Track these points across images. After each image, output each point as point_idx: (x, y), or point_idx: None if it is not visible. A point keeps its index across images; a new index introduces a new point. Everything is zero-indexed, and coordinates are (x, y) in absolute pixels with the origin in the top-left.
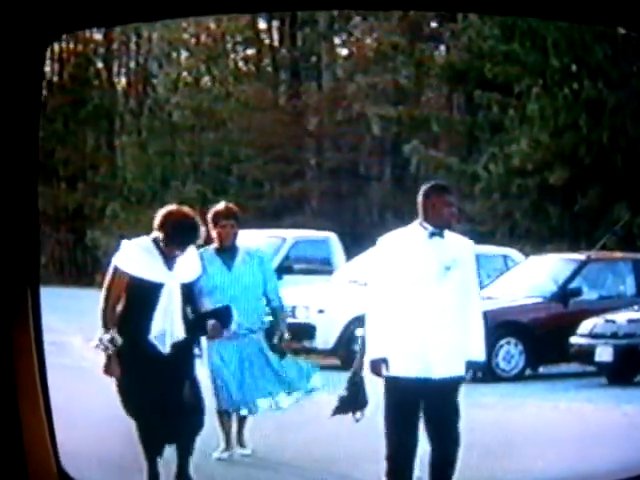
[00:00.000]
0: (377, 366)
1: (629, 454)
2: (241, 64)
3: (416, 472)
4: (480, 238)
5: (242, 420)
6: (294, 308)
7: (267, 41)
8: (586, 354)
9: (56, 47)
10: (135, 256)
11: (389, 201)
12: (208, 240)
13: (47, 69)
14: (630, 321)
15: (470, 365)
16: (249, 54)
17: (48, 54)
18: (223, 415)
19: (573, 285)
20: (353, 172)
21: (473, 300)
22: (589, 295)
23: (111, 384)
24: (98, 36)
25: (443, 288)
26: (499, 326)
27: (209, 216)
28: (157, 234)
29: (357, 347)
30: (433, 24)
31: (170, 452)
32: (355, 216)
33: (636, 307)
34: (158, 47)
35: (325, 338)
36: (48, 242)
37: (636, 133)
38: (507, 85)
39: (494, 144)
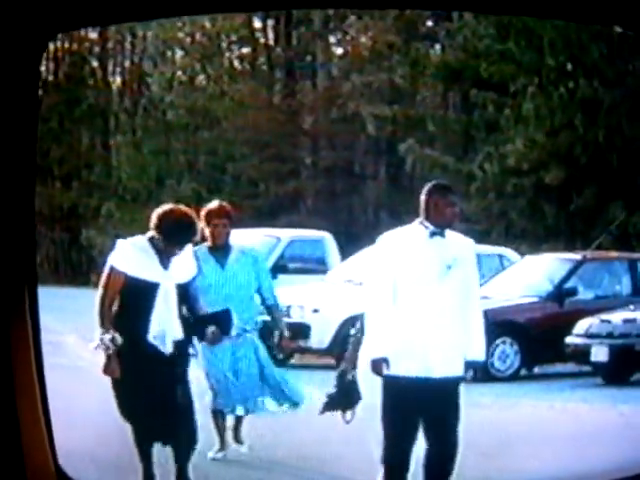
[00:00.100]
0: (378, 365)
1: (625, 454)
2: (236, 63)
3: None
4: (476, 237)
5: (239, 418)
6: (289, 307)
7: (262, 40)
8: (582, 354)
9: (51, 46)
10: (131, 255)
11: (384, 200)
12: (202, 239)
13: (42, 68)
14: (626, 321)
15: (470, 365)
16: (244, 53)
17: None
18: (217, 415)
19: (569, 285)
20: (348, 171)
21: (474, 300)
22: (585, 295)
23: (107, 384)
24: (93, 35)
25: (444, 287)
26: (494, 326)
27: (202, 215)
28: (153, 233)
29: (350, 346)
30: (428, 23)
31: (166, 453)
32: (350, 215)
33: (632, 307)
34: (153, 46)
35: (320, 338)
36: (43, 241)
37: (632, 132)
38: (503, 84)
39: (489, 143)
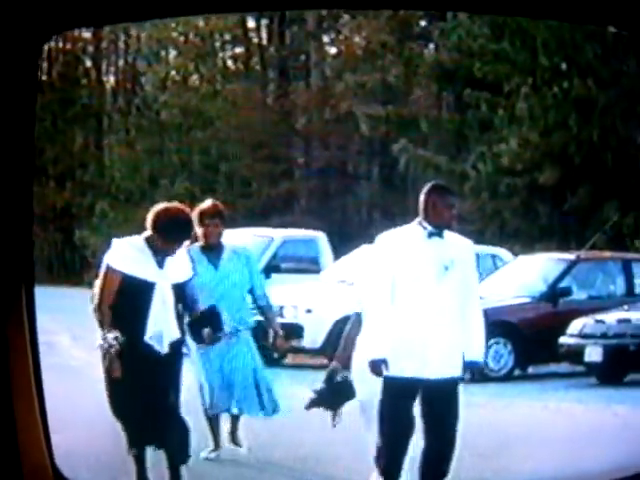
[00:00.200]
0: (377, 366)
1: (620, 454)
2: (229, 63)
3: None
4: (469, 237)
5: (235, 419)
6: (282, 308)
7: (255, 40)
8: (575, 354)
9: (45, 46)
10: (128, 254)
11: (377, 200)
12: (194, 238)
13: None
14: (620, 321)
15: (469, 365)
16: (237, 53)
17: None
18: (211, 415)
19: (562, 285)
20: (341, 171)
21: (473, 301)
22: (578, 295)
23: (101, 383)
24: (87, 35)
25: (442, 288)
26: (488, 326)
27: (195, 214)
28: (149, 233)
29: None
30: (422, 23)
31: (160, 454)
32: (343, 215)
33: (626, 307)
34: (147, 46)
35: (313, 337)
36: (36, 241)
37: (626, 132)
38: (496, 84)
39: (483, 143)
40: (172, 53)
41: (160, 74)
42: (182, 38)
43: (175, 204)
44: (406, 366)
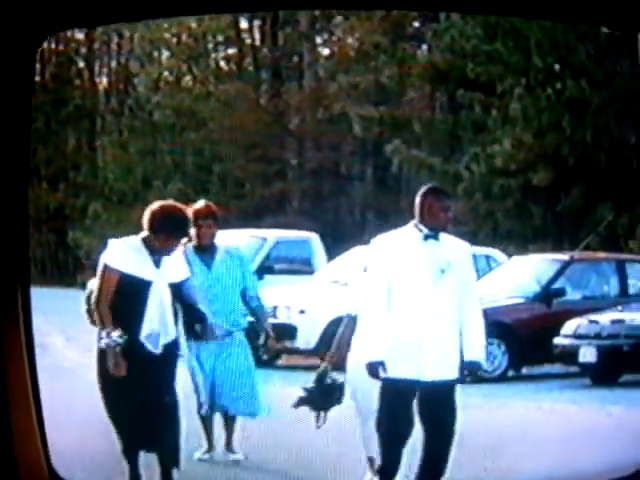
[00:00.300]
0: (375, 369)
1: (614, 455)
2: (222, 63)
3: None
4: (462, 238)
5: (230, 425)
6: (275, 308)
7: (248, 40)
8: (570, 355)
9: (39, 47)
10: (125, 253)
11: (371, 201)
12: (188, 239)
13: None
14: (614, 322)
15: (469, 365)
16: (230, 53)
17: None
18: (205, 416)
19: (556, 285)
20: (335, 172)
21: (473, 301)
22: (572, 295)
23: (95, 384)
24: (80, 36)
25: (438, 290)
26: None
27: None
28: (146, 233)
29: (334, 346)
30: (415, 23)
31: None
32: (337, 216)
33: (620, 307)
34: (139, 46)
35: (306, 338)
36: (30, 242)
37: (620, 133)
38: (490, 85)
39: (476, 144)
40: (165, 54)
41: (153, 75)
42: (175, 39)
43: (169, 202)
44: (403, 368)
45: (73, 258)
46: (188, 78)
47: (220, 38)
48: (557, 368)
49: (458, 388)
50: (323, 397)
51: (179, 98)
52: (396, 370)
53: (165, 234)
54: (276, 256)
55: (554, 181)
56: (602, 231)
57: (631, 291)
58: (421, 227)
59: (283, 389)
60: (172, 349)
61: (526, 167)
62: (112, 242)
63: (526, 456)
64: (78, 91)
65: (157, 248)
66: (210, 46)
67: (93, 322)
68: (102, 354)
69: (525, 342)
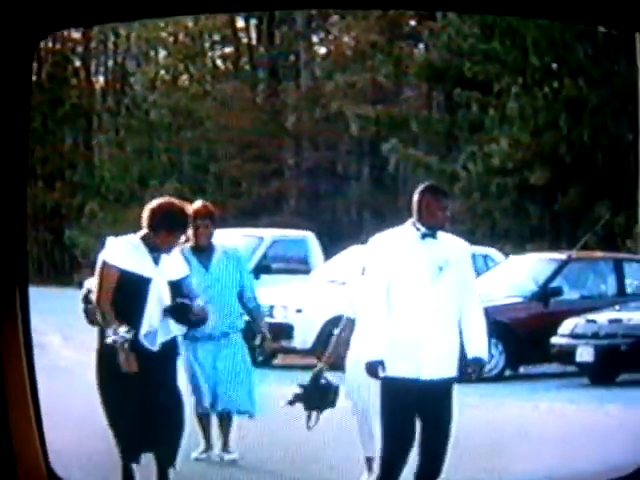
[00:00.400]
0: (374, 368)
1: (612, 454)
2: (219, 63)
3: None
4: (459, 237)
5: (226, 426)
6: (272, 308)
7: (245, 40)
8: (567, 354)
9: (37, 47)
10: (124, 251)
11: (367, 200)
12: (185, 239)
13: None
14: (611, 321)
15: (473, 362)
16: (227, 53)
17: None
18: (202, 416)
19: (554, 285)
20: (331, 171)
21: (473, 298)
22: (570, 295)
23: (92, 383)
24: (76, 35)
25: (437, 289)
26: None
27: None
28: (145, 231)
29: (331, 347)
30: (412, 22)
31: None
32: (333, 215)
33: (617, 307)
34: (136, 46)
35: (303, 338)
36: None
37: (617, 132)
38: (487, 84)
39: (473, 143)
40: (161, 53)
41: (149, 74)
42: (171, 38)
43: (167, 198)
44: (402, 367)
45: (69, 257)
46: (185, 77)
47: (217, 37)
48: (554, 367)
49: (455, 387)
50: (317, 396)
51: (176, 97)
52: (395, 369)
53: (166, 230)
54: (273, 255)
55: (551, 180)
56: (599, 230)
57: (628, 290)
58: (419, 226)
59: (279, 389)
60: (170, 347)
61: (523, 166)
62: (111, 240)
63: (524, 456)
64: (74, 90)
65: (157, 245)
66: (207, 45)
67: (90, 321)
68: (101, 353)
69: (522, 341)
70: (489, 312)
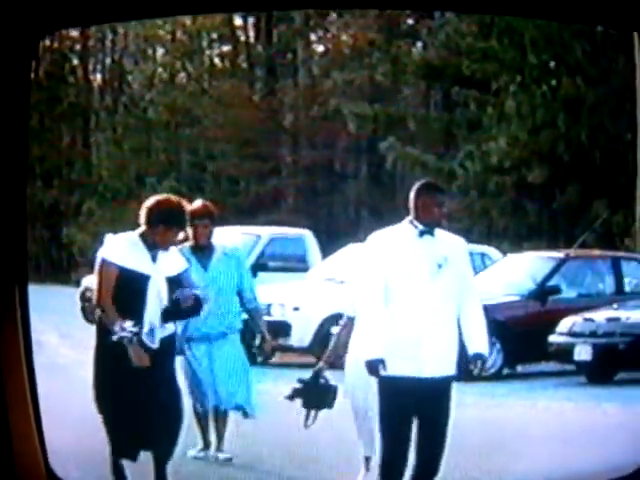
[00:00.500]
0: (374, 366)
1: (610, 453)
2: (217, 61)
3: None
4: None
5: (221, 426)
6: (269, 306)
7: (243, 38)
8: (565, 353)
9: (37, 46)
10: (122, 248)
11: (365, 198)
12: (184, 239)
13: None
14: (609, 320)
15: (475, 358)
16: (224, 51)
17: None
18: (199, 414)
19: (551, 283)
20: (329, 169)
21: (472, 295)
22: (568, 293)
23: (88, 381)
24: (74, 33)
25: (436, 286)
26: None
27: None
28: (143, 229)
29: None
30: (410, 21)
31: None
32: (331, 213)
33: (615, 305)
34: (134, 44)
35: (301, 336)
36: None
37: (615, 130)
38: (485, 82)
39: (471, 141)
40: (159, 51)
41: (147, 72)
42: (169, 36)
43: (164, 195)
44: (402, 365)
45: (67, 255)
46: (182, 75)
47: (214, 35)
48: (552, 366)
49: (454, 385)
50: (316, 395)
51: (173, 95)
52: (395, 367)
53: (163, 226)
54: (270, 253)
55: (549, 178)
56: (597, 228)
57: (626, 289)
58: (416, 223)
59: (276, 387)
60: (169, 343)
61: (521, 164)
62: (109, 237)
63: (521, 455)
64: (72, 88)
65: (155, 242)
66: (204, 43)
67: (88, 320)
68: (100, 351)
69: (520, 340)
70: (487, 310)
